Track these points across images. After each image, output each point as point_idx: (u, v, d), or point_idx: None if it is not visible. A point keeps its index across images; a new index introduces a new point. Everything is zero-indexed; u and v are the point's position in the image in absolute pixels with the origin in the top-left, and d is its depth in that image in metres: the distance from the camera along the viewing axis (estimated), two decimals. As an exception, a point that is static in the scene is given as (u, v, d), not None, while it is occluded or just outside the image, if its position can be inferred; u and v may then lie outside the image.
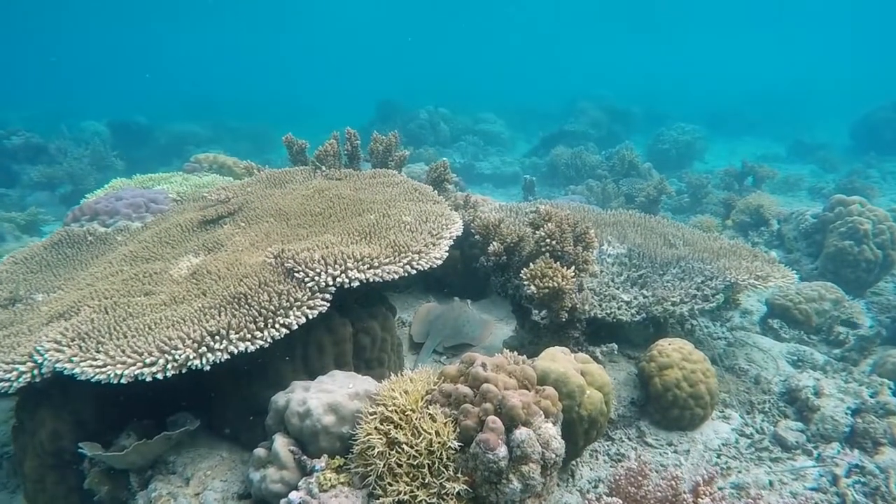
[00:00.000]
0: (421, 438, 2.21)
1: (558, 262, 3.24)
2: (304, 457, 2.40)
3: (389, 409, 2.34)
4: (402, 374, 2.52)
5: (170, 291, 2.99)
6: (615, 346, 3.66)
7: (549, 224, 3.27)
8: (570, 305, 3.25)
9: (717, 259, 4.31)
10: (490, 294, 4.89)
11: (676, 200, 9.76)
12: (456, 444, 2.20)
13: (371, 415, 2.37)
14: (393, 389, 2.41)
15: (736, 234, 7.01)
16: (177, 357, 2.35)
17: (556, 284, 3.07)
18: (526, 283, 3.20)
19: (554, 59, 45.09)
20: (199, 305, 2.69)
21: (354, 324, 2.96)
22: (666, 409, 3.37)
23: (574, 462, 3.05)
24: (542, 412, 2.28)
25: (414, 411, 2.33)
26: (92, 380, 2.34)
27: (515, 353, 2.99)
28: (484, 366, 2.41)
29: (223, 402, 2.85)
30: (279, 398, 2.55)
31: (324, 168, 4.39)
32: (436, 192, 4.12)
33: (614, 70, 36.67)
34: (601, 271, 4.27)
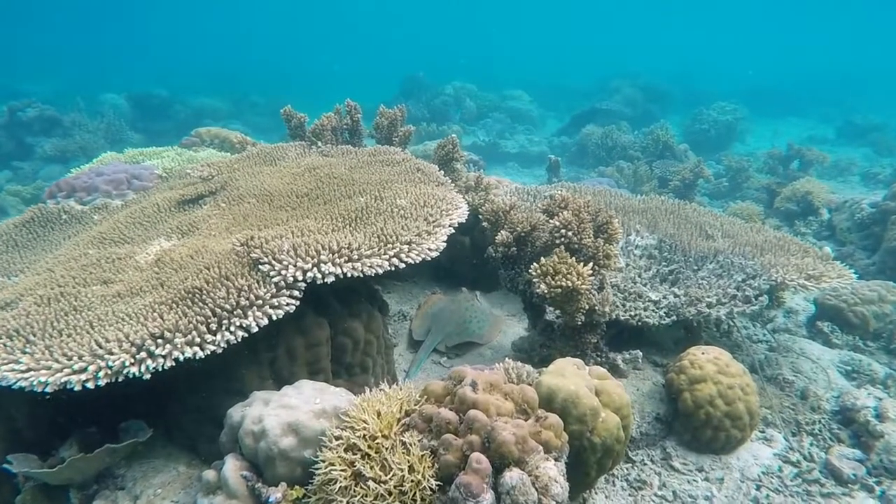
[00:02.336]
0: (391, 474, 1.81)
1: (574, 257, 2.78)
2: (260, 484, 2.03)
3: (357, 434, 1.94)
4: (377, 390, 2.12)
5: (129, 280, 2.64)
6: (639, 353, 3.19)
7: (565, 212, 2.80)
8: (587, 307, 2.79)
9: (760, 254, 3.78)
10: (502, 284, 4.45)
11: (714, 185, 9.08)
12: (433, 482, 1.79)
13: (336, 439, 1.98)
14: (363, 410, 2.01)
15: (780, 224, 6.38)
16: (111, 363, 1.99)
17: (570, 283, 2.61)
18: (536, 280, 2.75)
19: (588, 34, 43.53)
20: (151, 300, 2.32)
21: (333, 324, 2.57)
22: (697, 428, 2.91)
23: (586, 491, 2.62)
24: (541, 447, 1.85)
25: (387, 437, 1.93)
26: (13, 386, 2.00)
27: (519, 362, 2.57)
28: (474, 385, 1.99)
29: (181, 409, 2.50)
30: (235, 412, 2.17)
31: (320, 144, 3.97)
32: (442, 172, 3.68)
33: (651, 46, 35.13)
34: (627, 264, 3.78)
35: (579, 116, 14.27)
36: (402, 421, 1.98)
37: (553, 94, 20.14)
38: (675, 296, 3.49)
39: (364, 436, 1.93)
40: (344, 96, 4.50)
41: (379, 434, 1.92)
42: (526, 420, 1.98)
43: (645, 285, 3.61)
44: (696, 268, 3.76)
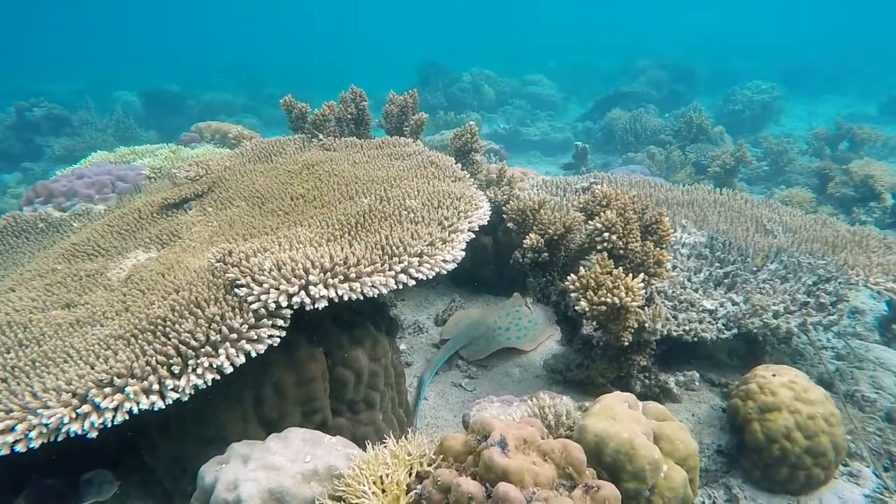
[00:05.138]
0: (397, 571, 1.38)
1: (620, 266, 2.30)
2: (237, 567, 1.62)
3: (354, 510, 1.51)
4: (380, 448, 1.68)
5: (94, 303, 2.24)
6: (696, 374, 2.71)
7: (608, 212, 2.33)
8: (635, 326, 2.31)
9: (833, 252, 3.25)
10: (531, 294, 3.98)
11: (753, 170, 8.41)
12: (453, 583, 1.36)
13: (329, 514, 1.56)
14: (361, 474, 1.58)
15: (835, 211, 5.78)
16: (45, 421, 1.58)
17: (616, 300, 2.14)
18: (574, 294, 2.28)
19: (610, 13, 42.19)
20: (108, 332, 1.92)
21: (331, 354, 2.14)
22: (770, 466, 2.43)
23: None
24: (594, 532, 1.40)
25: (393, 515, 1.50)
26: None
27: (556, 397, 2.12)
28: (503, 444, 1.54)
29: (154, 458, 2.10)
30: (207, 472, 1.76)
31: (321, 136, 3.54)
32: (459, 165, 3.21)
33: (675, 25, 33.77)
34: (674, 266, 3.28)
35: (604, 101, 13.62)
36: (413, 491, 1.55)
37: (575, 78, 19.41)
38: (734, 303, 2.99)
39: (362, 513, 1.51)
40: (363, 86, 4.04)
41: (381, 511, 1.49)
42: (571, 490, 1.53)
43: (696, 290, 3.12)
44: (755, 269, 3.25)
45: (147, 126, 12.09)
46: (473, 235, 2.42)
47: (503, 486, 1.40)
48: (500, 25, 39.96)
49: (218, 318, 1.80)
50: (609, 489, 1.50)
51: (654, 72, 16.64)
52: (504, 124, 12.79)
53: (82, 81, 20.08)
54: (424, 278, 2.07)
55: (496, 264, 3.87)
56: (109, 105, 12.85)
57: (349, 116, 3.77)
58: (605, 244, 2.33)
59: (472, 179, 3.19)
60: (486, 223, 2.63)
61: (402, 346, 3.39)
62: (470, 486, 1.46)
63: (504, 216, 3.01)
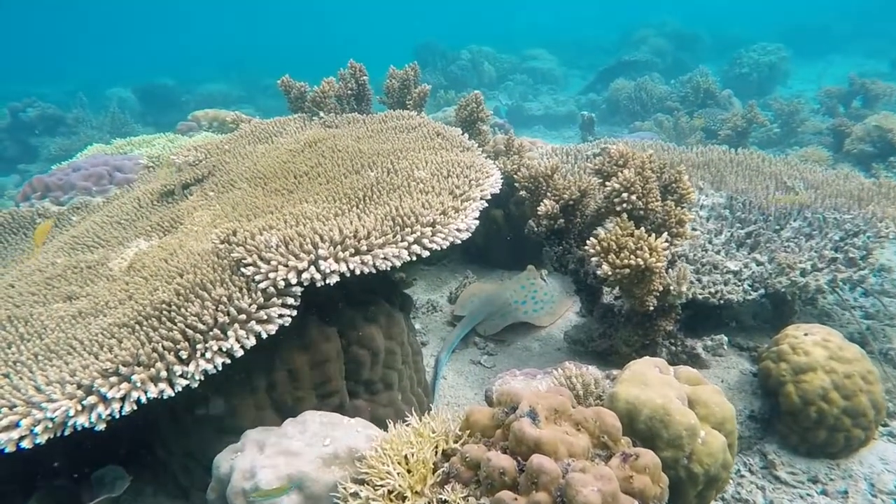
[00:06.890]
0: (428, 553, 1.30)
1: (641, 227, 2.19)
2: (259, 557, 1.54)
3: (378, 491, 1.43)
4: (402, 426, 1.60)
5: (96, 294, 2.16)
6: (724, 338, 2.61)
7: (626, 171, 2.21)
8: (660, 289, 2.20)
9: (859, 205, 3.12)
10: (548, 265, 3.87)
11: (765, 132, 8.21)
12: (488, 563, 1.28)
13: (353, 497, 1.47)
14: (386, 456, 1.49)
15: (853, 168, 5.61)
16: (50, 415, 1.50)
17: (640, 262, 2.03)
18: (595, 259, 2.17)
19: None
20: (111, 321, 1.84)
21: (344, 333, 2.05)
22: (807, 429, 2.33)
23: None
24: (636, 502, 1.31)
25: (420, 494, 1.42)
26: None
27: (583, 367, 2.03)
28: (533, 415, 1.45)
29: (166, 451, 2.03)
30: (222, 461, 1.68)
31: (322, 114, 3.42)
32: (466, 135, 3.09)
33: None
34: (693, 229, 3.16)
35: (606, 72, 13.34)
36: (440, 469, 1.46)
37: (575, 51, 19.04)
38: (759, 263, 2.87)
39: (389, 493, 1.43)
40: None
41: (408, 491, 1.41)
42: (608, 459, 1.44)
43: (718, 252, 3.00)
44: (777, 227, 3.13)
45: (144, 122, 11.98)
46: (486, 204, 2.32)
47: (537, 458, 1.31)
48: (496, 3, 39.19)
49: (225, 299, 1.71)
50: (649, 456, 1.41)
51: (656, 40, 16.28)
52: (506, 100, 12.58)
53: (73, 81, 19.83)
54: (438, 248, 1.97)
55: (508, 239, 3.76)
56: (104, 103, 12.68)
57: (349, 93, 3.64)
58: (625, 205, 2.22)
59: (481, 150, 3.07)
60: (497, 196, 2.53)
61: (417, 326, 3.31)
62: (501, 460, 1.37)
63: (516, 185, 2.89)
